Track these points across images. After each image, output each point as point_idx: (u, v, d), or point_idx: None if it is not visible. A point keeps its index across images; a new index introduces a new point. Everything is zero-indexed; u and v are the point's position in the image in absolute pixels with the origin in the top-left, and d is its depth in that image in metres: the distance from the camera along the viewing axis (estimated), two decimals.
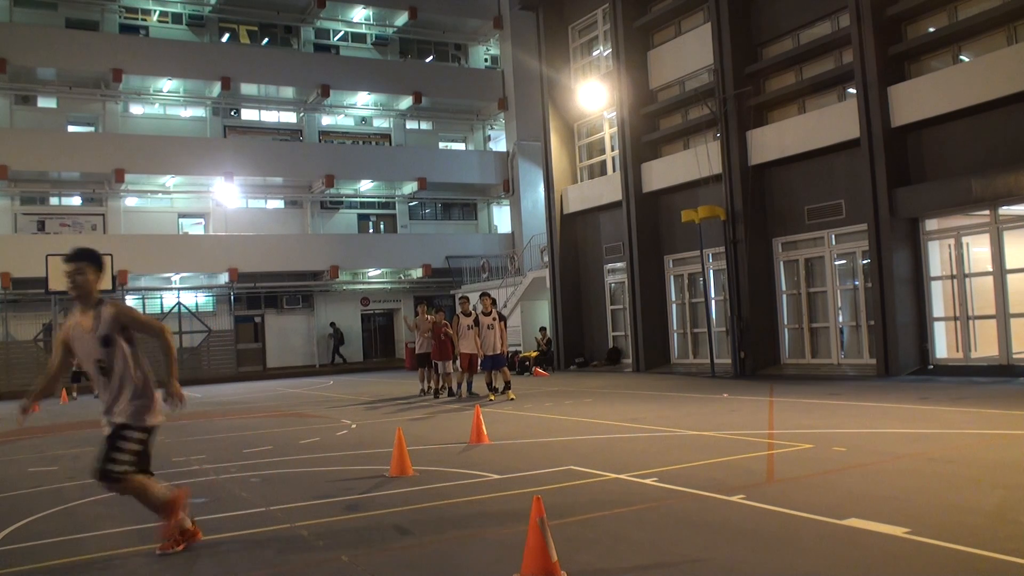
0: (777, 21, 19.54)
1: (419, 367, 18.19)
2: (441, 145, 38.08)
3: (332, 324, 33.41)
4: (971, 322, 15.96)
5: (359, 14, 36.17)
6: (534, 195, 33.94)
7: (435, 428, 11.83)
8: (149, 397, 5.42)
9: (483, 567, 4.89)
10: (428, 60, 37.87)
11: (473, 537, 5.57)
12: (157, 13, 33.49)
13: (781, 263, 19.63)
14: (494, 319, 15.58)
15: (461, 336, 16.15)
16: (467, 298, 16.99)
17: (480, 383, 16.91)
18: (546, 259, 26.86)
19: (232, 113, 34.39)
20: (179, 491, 5.51)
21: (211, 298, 32.66)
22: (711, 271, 21.09)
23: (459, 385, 16.69)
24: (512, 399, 15.13)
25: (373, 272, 34.90)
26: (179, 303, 30.91)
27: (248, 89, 33.81)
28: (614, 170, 24.45)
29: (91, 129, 32.25)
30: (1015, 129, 14.84)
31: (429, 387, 17.56)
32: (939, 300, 16.52)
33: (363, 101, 35.90)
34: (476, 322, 15.88)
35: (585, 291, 25.90)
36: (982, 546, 4.61)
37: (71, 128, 31.85)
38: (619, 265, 24.33)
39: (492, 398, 15.41)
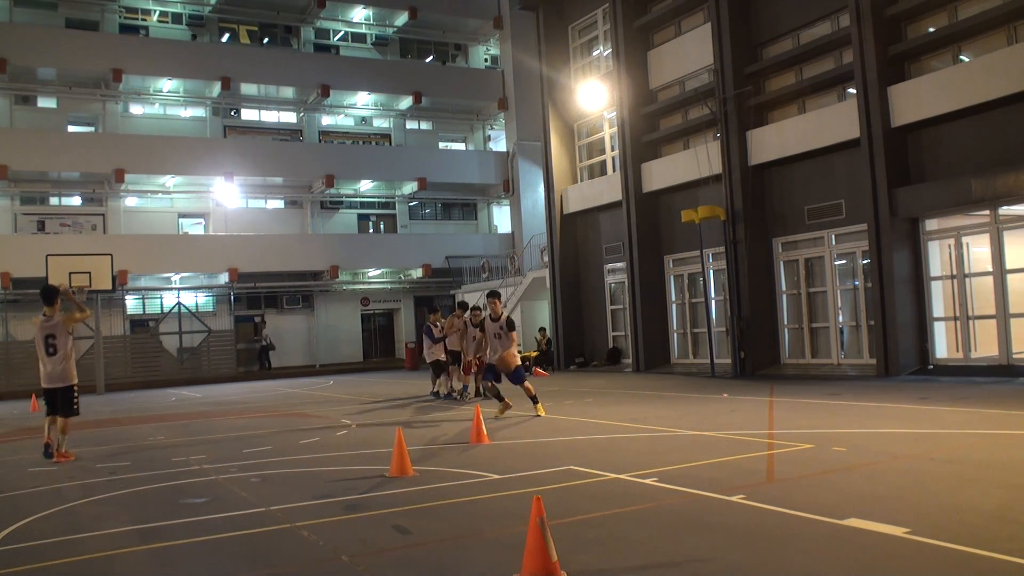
0: (777, 21, 19.53)
1: (438, 373, 16.87)
2: (441, 145, 38.06)
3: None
4: (971, 322, 15.95)
5: (359, 14, 36.14)
6: (534, 195, 33.91)
7: (435, 428, 11.83)
8: None
9: (483, 567, 4.89)
10: (428, 60, 37.86)
11: (473, 537, 5.57)
12: (157, 13, 33.46)
13: (781, 263, 19.62)
14: (501, 327, 12.62)
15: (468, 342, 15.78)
16: (473, 306, 16.32)
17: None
18: (546, 259, 26.85)
19: (232, 113, 34.36)
20: None
21: (211, 298, 32.65)
22: (711, 271, 21.08)
23: (465, 387, 16.54)
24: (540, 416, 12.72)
25: (373, 272, 34.90)
26: (179, 303, 30.89)
27: (248, 89, 33.79)
28: (614, 170, 24.43)
29: (91, 129, 32.23)
30: (1015, 129, 14.83)
31: (441, 390, 17.12)
32: (939, 300, 16.51)
33: (363, 101, 35.88)
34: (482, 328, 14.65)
35: (585, 291, 25.89)
36: (982, 546, 4.61)
37: (71, 128, 31.82)
38: (619, 265, 24.31)
39: (511, 405, 13.08)
